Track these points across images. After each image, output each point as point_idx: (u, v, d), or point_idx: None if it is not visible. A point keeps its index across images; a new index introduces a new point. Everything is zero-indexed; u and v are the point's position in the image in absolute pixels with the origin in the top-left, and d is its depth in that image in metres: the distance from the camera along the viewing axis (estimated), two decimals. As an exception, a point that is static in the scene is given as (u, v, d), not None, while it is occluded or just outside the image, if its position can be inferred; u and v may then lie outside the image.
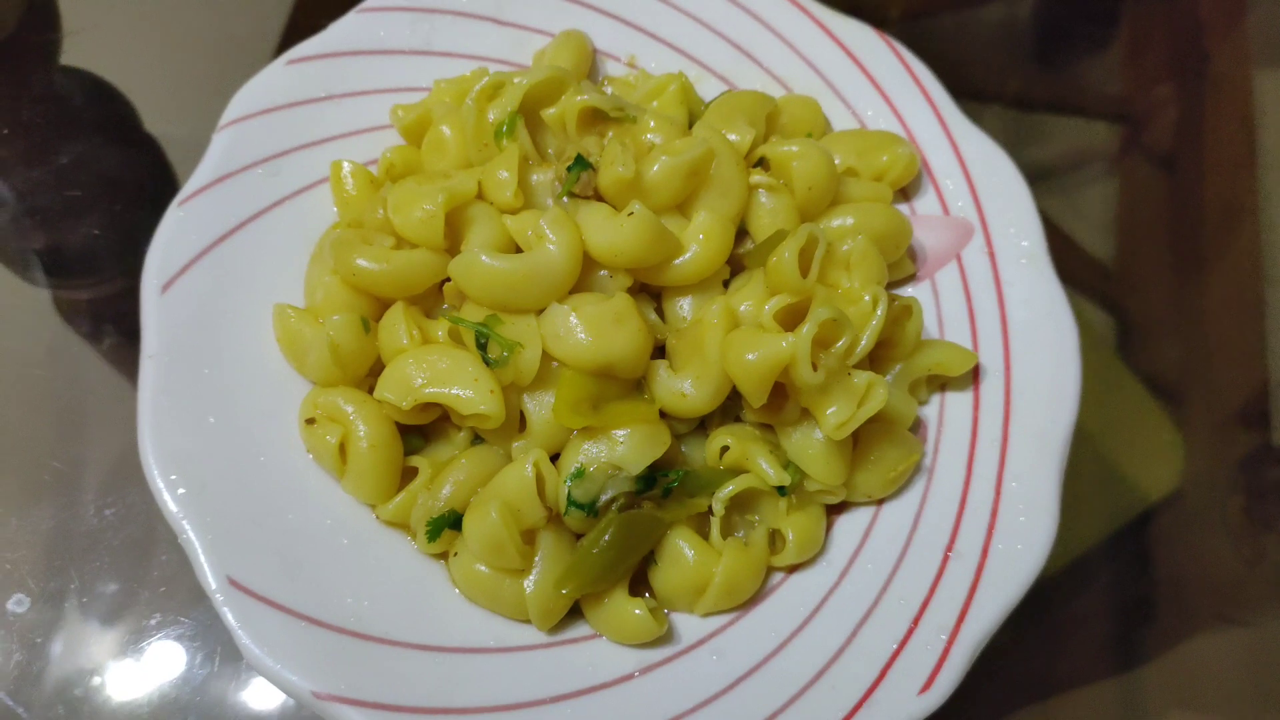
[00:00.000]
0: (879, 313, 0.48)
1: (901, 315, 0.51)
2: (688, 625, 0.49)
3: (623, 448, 0.47)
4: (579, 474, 0.47)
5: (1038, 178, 1.09)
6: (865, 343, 0.48)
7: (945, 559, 0.49)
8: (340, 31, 0.57)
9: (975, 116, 1.08)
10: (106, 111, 0.72)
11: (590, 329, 0.47)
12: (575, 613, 0.49)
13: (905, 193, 0.58)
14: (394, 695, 0.44)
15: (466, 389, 0.47)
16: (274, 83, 0.56)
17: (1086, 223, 1.00)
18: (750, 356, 0.46)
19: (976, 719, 0.76)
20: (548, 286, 0.48)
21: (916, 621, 0.48)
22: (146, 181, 0.74)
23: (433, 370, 0.47)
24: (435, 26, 0.59)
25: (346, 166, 0.54)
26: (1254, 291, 0.93)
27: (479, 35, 0.59)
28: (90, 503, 0.58)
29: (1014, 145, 1.10)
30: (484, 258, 0.47)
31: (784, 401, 0.49)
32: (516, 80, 0.52)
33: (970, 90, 1.07)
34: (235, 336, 0.51)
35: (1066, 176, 1.05)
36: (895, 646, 0.47)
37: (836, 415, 0.47)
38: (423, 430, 0.51)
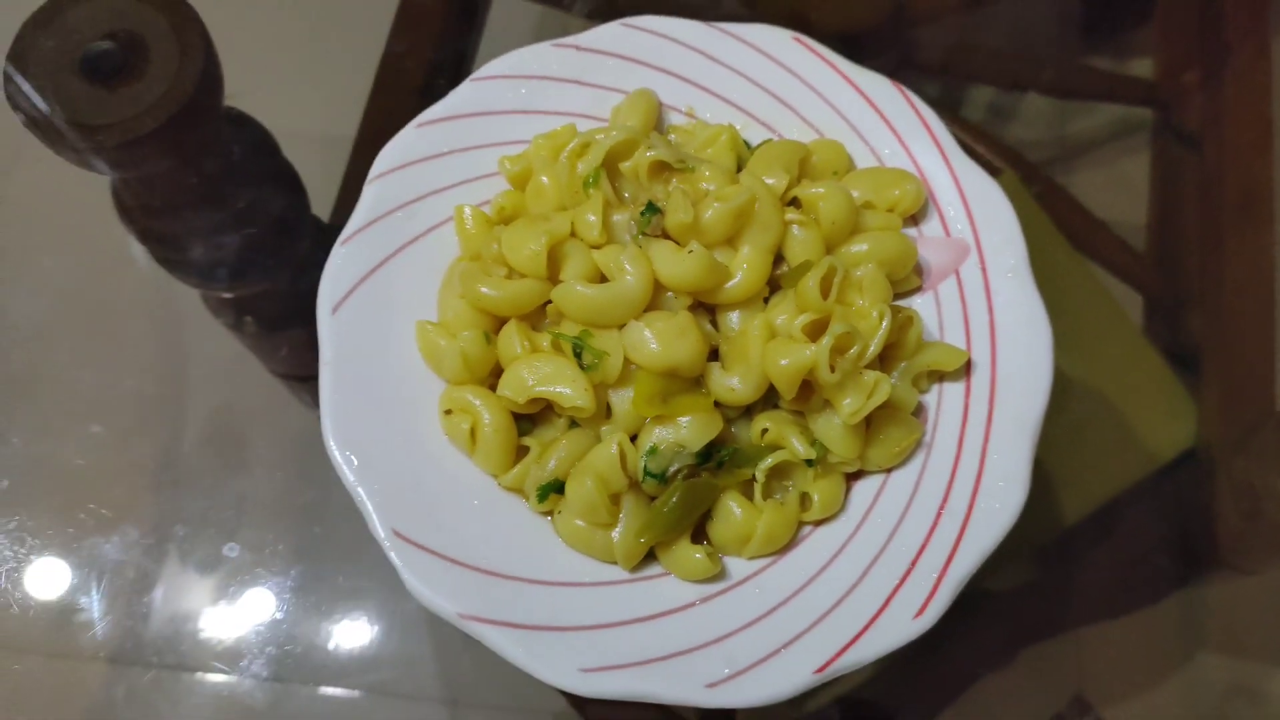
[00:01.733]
0: (884, 326, 0.62)
1: (905, 324, 0.65)
2: (737, 566, 0.64)
3: (685, 430, 0.62)
4: (652, 451, 0.62)
5: (1073, 157, 1.19)
6: (873, 349, 0.61)
7: (939, 515, 0.63)
8: (457, 98, 0.72)
9: (1016, 101, 1.17)
10: (257, 155, 0.89)
11: (660, 340, 0.61)
12: (650, 557, 0.64)
13: (915, 218, 0.70)
14: (519, 616, 0.60)
15: (566, 387, 0.62)
16: (408, 143, 0.70)
17: (1117, 205, 1.10)
18: (783, 361, 0.60)
19: (1013, 645, 0.90)
20: (627, 308, 0.62)
21: (914, 564, 0.62)
22: (283, 212, 0.91)
23: (540, 373, 0.62)
24: (532, 89, 0.73)
25: (467, 210, 0.69)
26: (1267, 270, 1.03)
27: (568, 95, 0.73)
28: (275, 472, 0.76)
29: (1053, 126, 1.20)
30: (578, 287, 0.62)
31: (811, 394, 0.63)
32: (599, 139, 0.66)
33: (1009, 78, 1.18)
34: (388, 346, 0.66)
35: (1099, 159, 1.14)
36: (896, 583, 0.61)
37: (850, 405, 0.61)
38: (531, 418, 0.66)
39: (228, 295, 0.93)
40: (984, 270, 0.69)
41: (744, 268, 0.64)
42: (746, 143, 0.72)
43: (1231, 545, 0.94)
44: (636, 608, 0.62)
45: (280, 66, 0.93)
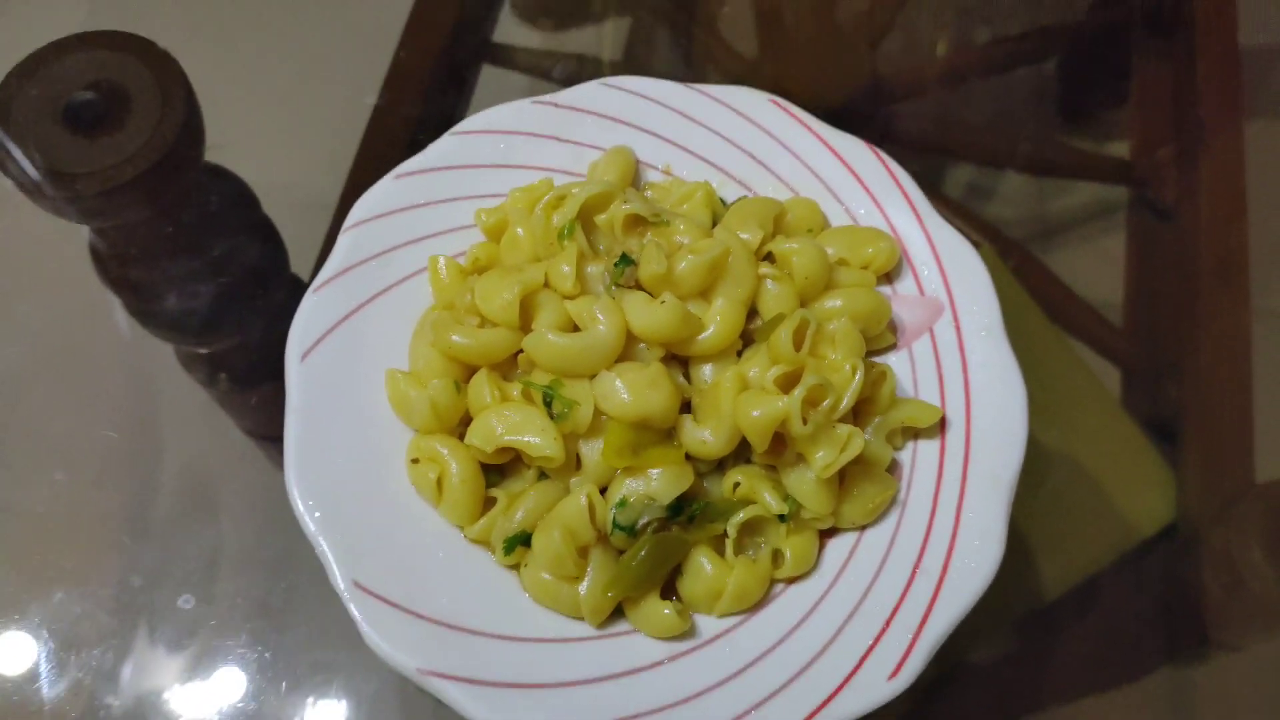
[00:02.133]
0: (857, 379, 0.61)
1: (878, 379, 0.64)
2: (707, 624, 0.62)
3: (656, 483, 0.61)
4: (622, 503, 0.61)
5: (1050, 234, 1.20)
6: (846, 402, 0.61)
7: (913, 574, 0.62)
8: (436, 151, 0.72)
9: (995, 178, 1.18)
10: (235, 208, 0.89)
11: (631, 390, 0.61)
12: (619, 614, 0.63)
13: (889, 277, 0.71)
14: (482, 673, 0.58)
15: (535, 436, 0.61)
16: (385, 194, 0.71)
17: (1094, 280, 1.11)
18: (755, 413, 0.59)
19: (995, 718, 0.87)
20: (599, 358, 0.62)
21: (888, 623, 0.60)
22: (259, 265, 0.90)
23: (509, 422, 0.62)
24: (511, 144, 0.73)
25: (441, 260, 0.68)
26: (1243, 339, 1.03)
27: (546, 150, 0.74)
28: (242, 526, 0.74)
29: (1032, 203, 1.21)
30: (550, 336, 0.62)
31: (783, 448, 0.62)
32: (575, 192, 0.67)
33: (988, 155, 1.19)
34: (357, 395, 0.65)
35: (1077, 236, 1.16)
36: (871, 642, 0.60)
37: (823, 459, 0.60)
38: (500, 469, 0.65)
39: (201, 350, 0.92)
40: (958, 328, 0.69)
41: (717, 320, 0.64)
42: (722, 200, 0.73)
43: (1214, 619, 0.93)
44: (603, 665, 0.60)
45: (265, 121, 0.94)
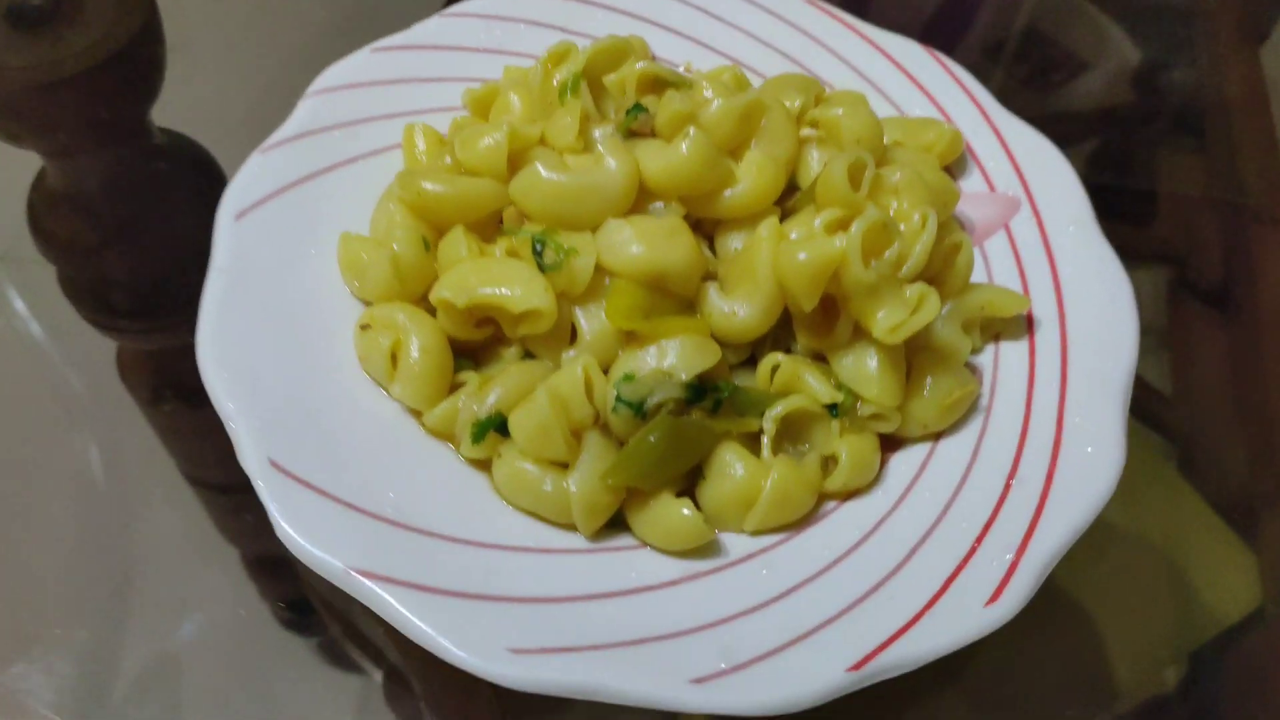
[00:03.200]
0: (929, 229, 0.49)
1: (951, 252, 0.52)
2: (737, 544, 0.47)
3: (672, 356, 0.47)
4: (628, 377, 0.47)
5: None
6: (917, 252, 0.48)
7: (1008, 486, 0.47)
8: (422, 30, 0.63)
9: None
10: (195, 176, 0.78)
11: (644, 240, 0.48)
12: (620, 526, 0.47)
13: (951, 172, 0.59)
14: (430, 578, 0.42)
15: (519, 287, 0.48)
16: (359, 65, 0.60)
17: (1141, 349, 1.00)
18: (801, 256, 0.46)
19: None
20: (604, 203, 0.50)
21: (979, 541, 0.45)
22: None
23: (488, 274, 0.48)
24: (508, 30, 0.64)
25: (418, 128, 0.57)
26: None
27: (547, 40, 0.63)
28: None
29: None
30: (544, 171, 0.49)
31: (835, 323, 0.49)
32: (581, 47, 0.56)
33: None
34: (301, 264, 0.52)
35: None
36: (957, 564, 0.44)
37: (888, 318, 0.47)
38: (474, 356, 0.52)
39: (143, 343, 0.79)
40: (1040, 224, 0.56)
41: (752, 173, 0.51)
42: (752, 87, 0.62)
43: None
44: (597, 581, 0.44)
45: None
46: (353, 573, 0.42)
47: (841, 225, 0.48)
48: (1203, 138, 1.07)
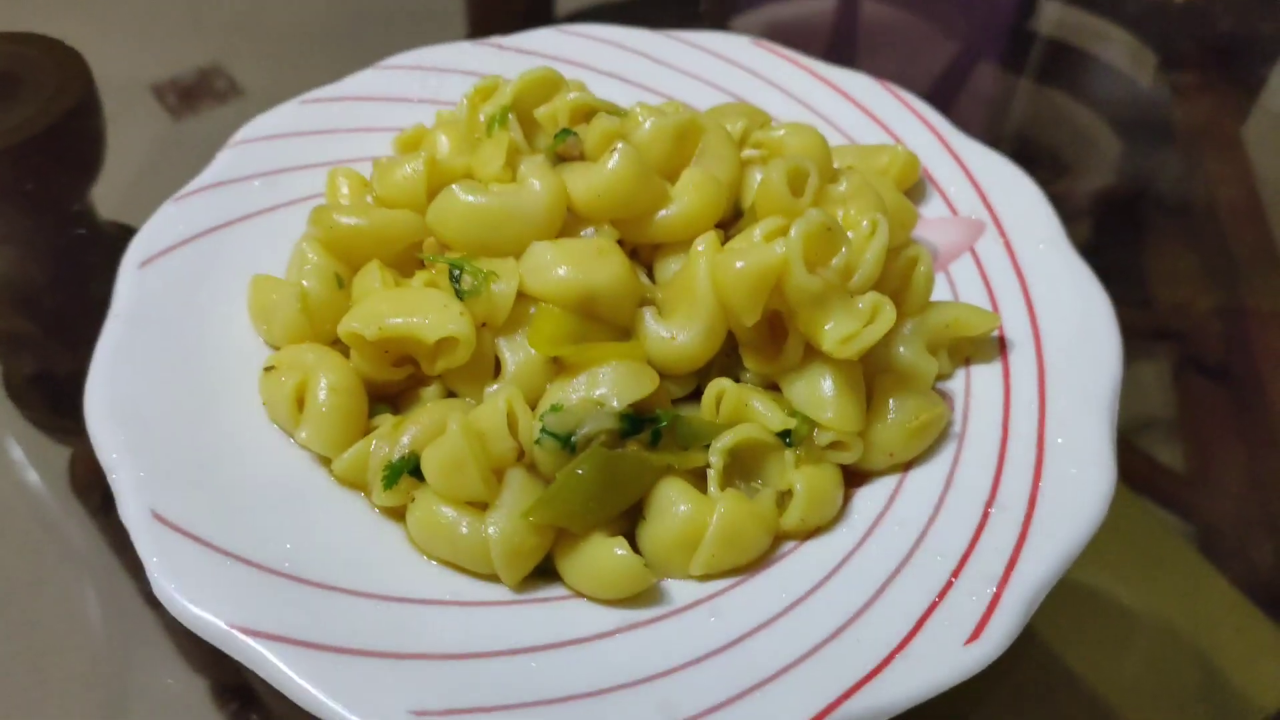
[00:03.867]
0: (880, 234, 0.44)
1: (908, 267, 0.47)
2: (682, 591, 0.41)
3: (605, 384, 0.43)
4: (555, 408, 0.42)
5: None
6: (868, 264, 0.44)
7: (986, 514, 0.42)
8: (354, 82, 0.60)
9: None
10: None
11: (570, 261, 0.44)
12: (551, 576, 0.42)
13: (910, 199, 0.56)
14: (325, 636, 0.37)
15: (432, 315, 0.43)
16: (285, 116, 0.58)
17: (1150, 431, 0.95)
18: (739, 264, 0.42)
19: None
20: (527, 226, 0.46)
21: (956, 574, 0.40)
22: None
23: (400, 303, 0.44)
24: (443, 80, 0.62)
25: (342, 173, 0.54)
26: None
27: None
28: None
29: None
30: (462, 194, 0.46)
31: (783, 343, 0.44)
32: (510, 79, 0.54)
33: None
34: (208, 311, 0.49)
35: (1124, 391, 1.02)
36: (932, 600, 0.39)
37: (838, 329, 0.42)
38: (394, 402, 0.47)
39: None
40: (1008, 244, 0.53)
41: (688, 192, 0.48)
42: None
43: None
44: (519, 635, 0.39)
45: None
46: (234, 630, 0.36)
47: (782, 233, 0.44)
48: (1190, 218, 1.04)
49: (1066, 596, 0.53)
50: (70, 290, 0.71)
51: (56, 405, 0.72)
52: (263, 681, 0.36)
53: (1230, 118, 1.02)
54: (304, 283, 0.47)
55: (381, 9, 0.92)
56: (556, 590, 0.41)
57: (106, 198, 0.71)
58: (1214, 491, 0.93)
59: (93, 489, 0.71)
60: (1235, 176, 1.04)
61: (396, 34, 0.86)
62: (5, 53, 0.71)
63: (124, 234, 0.70)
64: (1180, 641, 0.79)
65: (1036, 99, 1.00)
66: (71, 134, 0.68)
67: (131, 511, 0.40)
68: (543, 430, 0.41)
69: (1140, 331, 1.09)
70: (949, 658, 0.37)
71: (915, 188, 0.56)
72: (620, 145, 0.46)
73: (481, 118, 0.53)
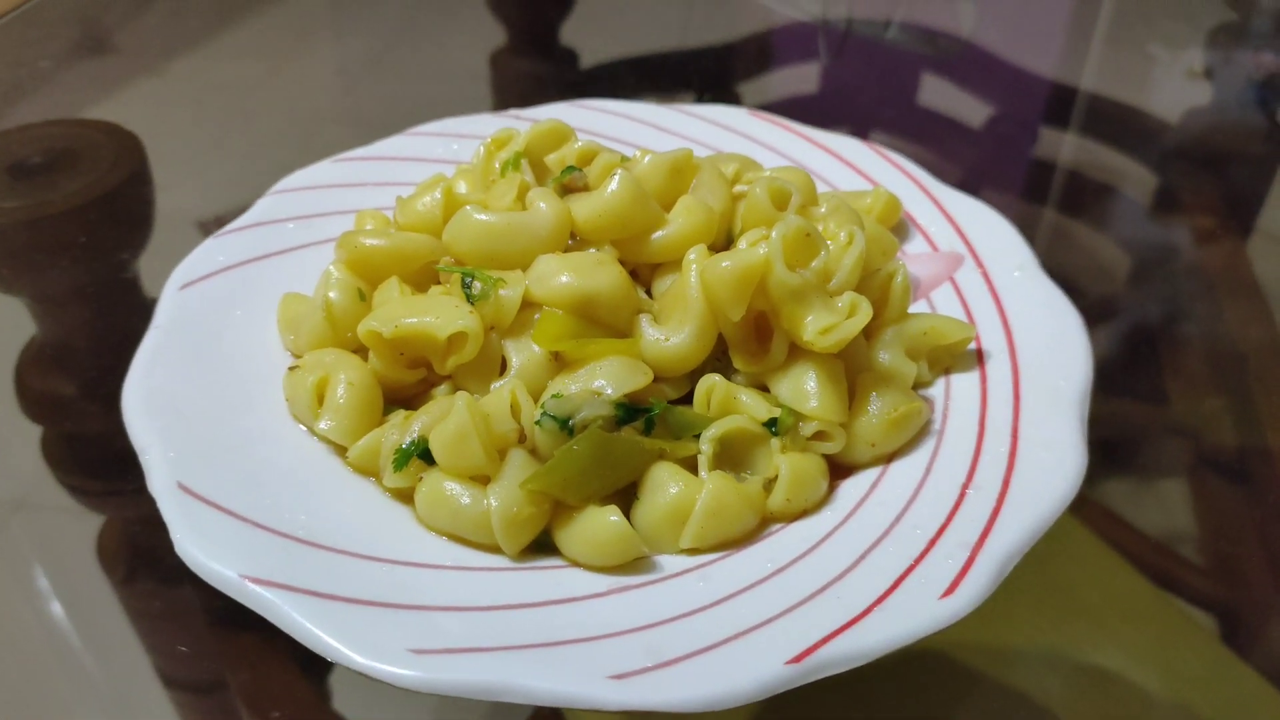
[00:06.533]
0: (857, 243, 0.48)
1: (886, 280, 0.51)
2: (673, 562, 0.43)
3: (602, 376, 0.46)
4: (556, 395, 0.45)
5: (1113, 491, 1.06)
6: (846, 268, 0.48)
7: (963, 493, 0.44)
8: (387, 144, 0.66)
9: None
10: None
11: (572, 270, 0.48)
12: (549, 550, 0.44)
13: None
14: (331, 587, 0.39)
15: (445, 314, 0.47)
16: (320, 171, 0.63)
17: (1169, 525, 0.95)
18: (725, 264, 0.46)
19: None
20: (534, 241, 0.50)
21: (933, 543, 0.42)
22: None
23: (416, 306, 0.48)
24: (465, 145, 0.67)
25: (370, 213, 0.59)
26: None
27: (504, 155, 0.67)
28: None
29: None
30: (475, 213, 0.50)
31: (769, 342, 0.48)
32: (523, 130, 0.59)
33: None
34: (239, 326, 0.53)
35: (1139, 485, 1.02)
36: (911, 561, 0.41)
37: (818, 321, 0.45)
38: (408, 404, 0.50)
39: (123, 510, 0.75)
40: (985, 273, 0.56)
41: (682, 215, 0.52)
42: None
43: None
44: (517, 594, 0.41)
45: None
46: (246, 580, 0.39)
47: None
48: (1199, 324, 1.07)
49: (1085, 681, 0.54)
50: (113, 354, 0.75)
51: (91, 469, 0.75)
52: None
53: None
54: (329, 294, 0.51)
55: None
56: (554, 562, 0.43)
57: (152, 268, 0.76)
58: (1235, 583, 0.93)
59: (118, 560, 0.73)
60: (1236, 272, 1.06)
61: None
62: (68, 134, 0.79)
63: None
64: (1201, 725, 0.78)
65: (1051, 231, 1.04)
66: (123, 199, 0.74)
67: (159, 483, 0.43)
68: (543, 413, 0.44)
69: (1153, 428, 1.09)
70: (925, 609, 0.38)
71: (897, 228, 0.60)
72: (620, 171, 0.51)
73: (496, 164, 0.58)
